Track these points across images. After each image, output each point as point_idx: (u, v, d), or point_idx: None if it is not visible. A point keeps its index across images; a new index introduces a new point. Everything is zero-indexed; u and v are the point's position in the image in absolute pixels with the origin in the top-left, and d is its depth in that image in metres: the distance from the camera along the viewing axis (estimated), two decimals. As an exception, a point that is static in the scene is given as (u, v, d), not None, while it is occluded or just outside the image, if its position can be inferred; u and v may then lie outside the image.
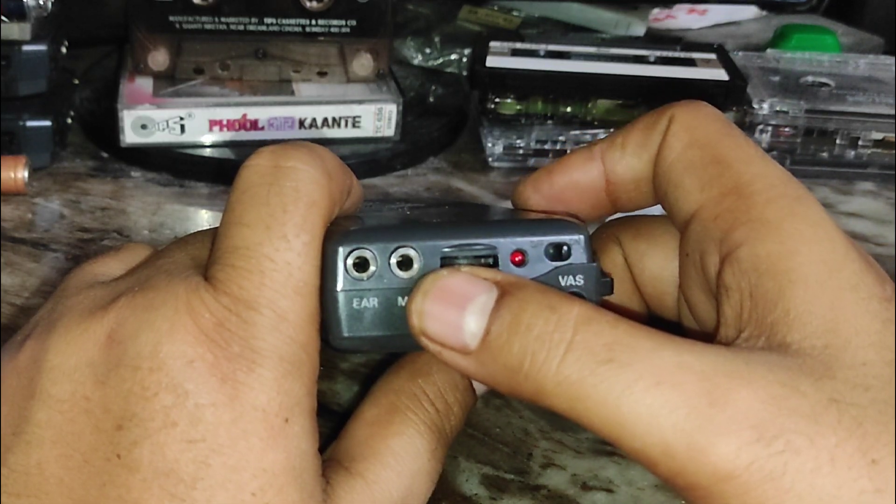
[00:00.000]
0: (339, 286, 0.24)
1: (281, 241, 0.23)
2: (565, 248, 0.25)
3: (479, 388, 0.28)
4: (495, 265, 0.24)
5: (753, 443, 0.20)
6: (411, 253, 0.24)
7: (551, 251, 0.25)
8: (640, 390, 0.20)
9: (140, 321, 0.23)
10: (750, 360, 0.21)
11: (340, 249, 0.24)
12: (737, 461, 0.20)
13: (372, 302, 0.24)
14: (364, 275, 0.24)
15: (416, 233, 0.24)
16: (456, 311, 0.23)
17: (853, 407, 0.20)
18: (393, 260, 0.24)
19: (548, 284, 0.24)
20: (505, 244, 0.25)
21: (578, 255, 0.25)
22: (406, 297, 0.24)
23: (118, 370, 0.23)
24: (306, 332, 0.23)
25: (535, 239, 0.25)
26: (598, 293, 0.25)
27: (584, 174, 0.28)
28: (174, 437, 0.22)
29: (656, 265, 0.28)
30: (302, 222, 0.24)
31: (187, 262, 0.25)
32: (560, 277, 0.25)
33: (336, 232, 0.24)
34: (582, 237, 0.25)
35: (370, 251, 0.24)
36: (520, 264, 0.25)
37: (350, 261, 0.24)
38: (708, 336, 0.24)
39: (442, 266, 0.24)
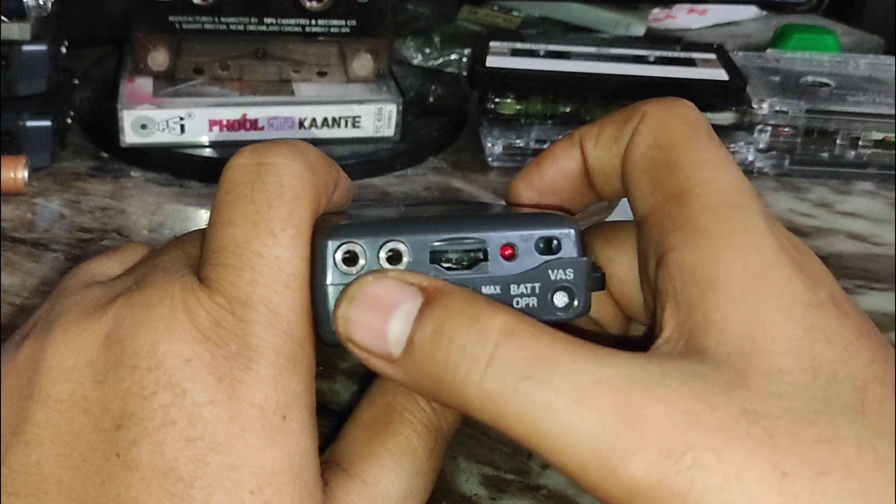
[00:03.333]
0: (329, 280, 0.24)
1: (268, 236, 0.23)
2: (555, 241, 0.25)
3: None
4: (485, 259, 0.24)
5: (662, 460, 0.20)
6: (401, 247, 0.24)
7: (541, 245, 0.25)
8: (558, 409, 0.21)
9: (137, 320, 0.23)
10: (666, 373, 0.21)
11: (329, 243, 0.24)
12: (646, 479, 0.20)
13: None
14: (353, 269, 0.24)
15: (406, 227, 0.24)
16: (380, 319, 0.23)
17: (765, 417, 0.20)
18: (382, 254, 0.24)
19: (536, 278, 0.24)
20: (494, 238, 0.24)
21: (569, 249, 0.25)
22: None
23: (116, 369, 0.23)
24: (301, 327, 0.23)
25: (525, 233, 0.25)
26: (589, 287, 0.25)
27: (568, 161, 0.28)
28: (173, 436, 0.22)
29: (622, 270, 0.28)
30: (287, 216, 0.24)
31: (183, 260, 0.25)
32: (550, 271, 0.25)
33: (325, 226, 0.24)
34: (572, 231, 0.25)
35: (359, 245, 0.24)
36: (509, 258, 0.25)
37: (339, 255, 0.24)
38: (648, 340, 0.24)
39: (431, 261, 0.24)
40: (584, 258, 0.25)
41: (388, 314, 0.23)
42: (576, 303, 0.25)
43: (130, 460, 0.22)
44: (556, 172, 0.28)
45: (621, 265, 0.28)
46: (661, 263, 0.23)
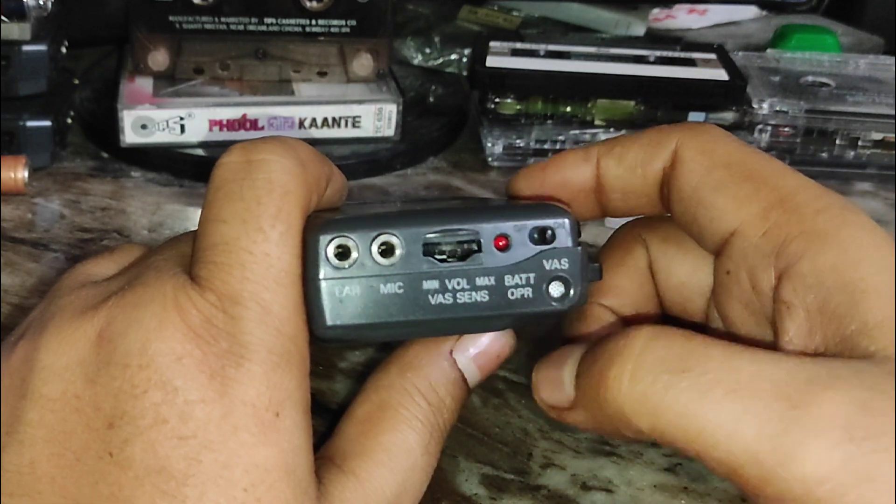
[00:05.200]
0: (321, 275, 0.24)
1: (258, 233, 0.23)
2: (549, 231, 0.25)
3: (472, 380, 0.28)
4: (479, 250, 0.24)
5: (845, 443, 0.19)
6: (393, 240, 0.24)
7: (535, 235, 0.25)
8: (718, 398, 0.20)
9: (129, 319, 0.23)
10: (831, 367, 0.21)
11: (321, 238, 0.24)
12: (829, 463, 0.19)
13: (354, 290, 0.24)
14: (346, 263, 0.24)
15: (398, 220, 0.24)
16: (557, 370, 0.25)
17: None
18: (374, 247, 0.24)
19: (531, 269, 0.24)
20: (487, 229, 0.24)
21: (563, 239, 0.25)
22: (388, 284, 0.24)
23: (108, 368, 0.23)
24: (293, 323, 0.23)
25: (519, 223, 0.25)
26: (585, 278, 0.25)
27: (577, 174, 0.28)
28: (165, 434, 0.22)
29: (685, 272, 0.28)
30: (277, 212, 0.24)
31: (176, 260, 0.25)
32: (544, 261, 0.25)
33: (317, 222, 0.24)
34: (567, 221, 0.25)
35: (351, 239, 0.24)
36: (503, 249, 0.24)
37: (331, 249, 0.24)
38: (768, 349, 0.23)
39: (424, 254, 0.24)
40: (579, 248, 0.25)
41: (563, 364, 0.25)
42: (571, 292, 0.25)
43: (123, 459, 0.22)
44: (560, 181, 0.28)
45: (684, 266, 0.28)
46: (788, 274, 0.23)
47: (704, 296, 0.28)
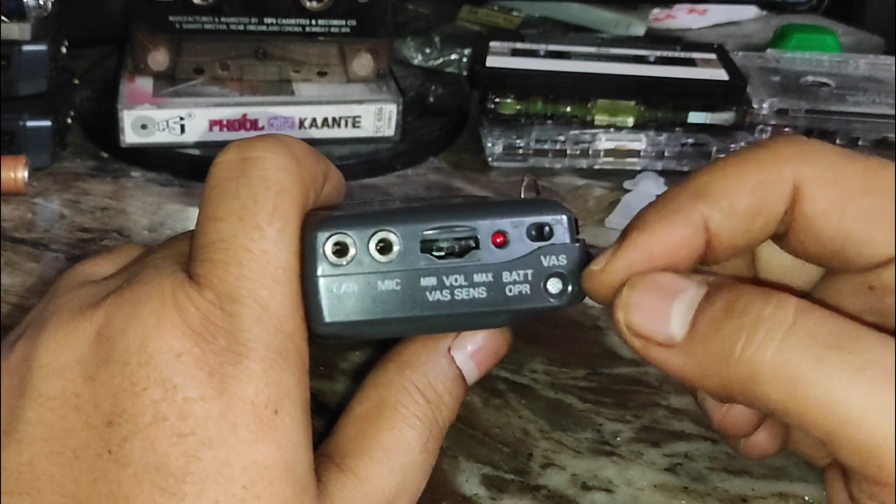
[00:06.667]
0: (319, 271, 0.24)
1: (255, 230, 0.23)
2: (547, 228, 0.25)
3: (470, 377, 0.28)
4: (476, 247, 0.24)
5: None
6: (391, 237, 0.24)
7: (533, 232, 0.25)
8: (871, 379, 0.20)
9: (128, 317, 0.23)
10: None
11: (319, 235, 0.24)
12: None
13: (352, 287, 0.24)
14: (344, 260, 0.24)
15: (396, 217, 0.24)
16: (664, 302, 0.23)
17: None
18: (372, 244, 0.24)
19: (529, 265, 0.24)
20: (485, 225, 0.24)
21: (561, 235, 0.25)
22: (386, 281, 0.24)
23: (107, 366, 0.23)
24: (291, 320, 0.23)
25: (516, 219, 0.25)
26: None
27: (682, 243, 0.24)
28: (164, 432, 0.22)
29: (793, 260, 0.26)
30: (273, 209, 0.24)
31: (175, 259, 0.25)
32: (542, 258, 0.25)
33: (315, 219, 0.24)
34: (565, 217, 0.25)
35: (349, 236, 0.24)
36: (501, 245, 0.24)
37: (329, 246, 0.24)
38: None
39: (422, 250, 0.24)
40: (577, 244, 0.25)
41: (672, 297, 0.23)
42: (570, 289, 0.25)
43: (122, 457, 0.22)
44: (663, 259, 0.24)
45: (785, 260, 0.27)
46: None
47: (805, 285, 0.27)
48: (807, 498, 0.31)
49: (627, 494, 0.31)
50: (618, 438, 0.33)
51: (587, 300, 0.25)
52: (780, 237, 0.26)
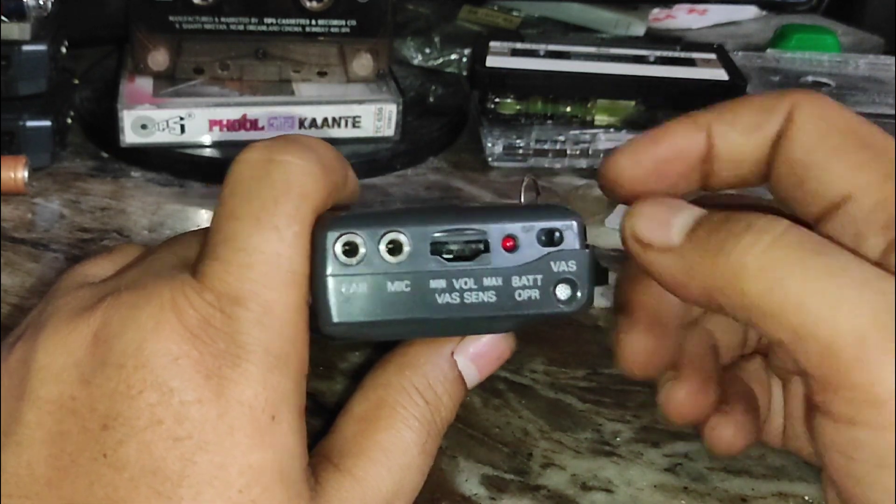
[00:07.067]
0: (328, 271, 0.24)
1: (271, 231, 0.23)
2: (557, 233, 0.25)
3: (471, 381, 0.28)
4: (486, 251, 0.24)
5: None
6: (401, 238, 0.24)
7: (543, 237, 0.25)
8: (846, 282, 0.21)
9: (125, 320, 0.23)
10: None
11: (329, 234, 0.24)
12: None
13: (361, 287, 0.24)
14: (353, 260, 0.24)
15: (406, 218, 0.24)
16: (668, 213, 0.24)
17: None
18: (382, 245, 0.24)
19: (538, 270, 0.24)
20: (495, 229, 0.24)
21: (571, 241, 0.25)
22: (395, 282, 0.24)
23: (104, 369, 0.23)
24: (293, 324, 0.23)
25: (527, 224, 0.24)
26: (592, 280, 0.25)
27: (688, 143, 0.27)
28: (160, 435, 0.22)
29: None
30: (294, 212, 0.23)
31: (174, 261, 0.25)
32: (552, 263, 0.25)
33: (325, 219, 0.24)
34: (575, 223, 0.25)
35: (359, 236, 0.24)
36: (511, 249, 0.24)
37: (339, 246, 0.24)
38: None
39: (432, 252, 0.24)
40: (587, 250, 0.25)
41: (677, 210, 0.25)
42: (579, 295, 0.25)
43: (118, 460, 0.22)
44: (671, 154, 0.27)
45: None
46: None
47: None
48: (807, 498, 0.31)
49: (627, 494, 0.31)
50: (618, 438, 0.33)
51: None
52: (768, 179, 0.27)
